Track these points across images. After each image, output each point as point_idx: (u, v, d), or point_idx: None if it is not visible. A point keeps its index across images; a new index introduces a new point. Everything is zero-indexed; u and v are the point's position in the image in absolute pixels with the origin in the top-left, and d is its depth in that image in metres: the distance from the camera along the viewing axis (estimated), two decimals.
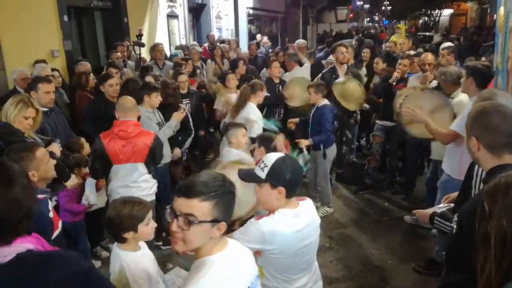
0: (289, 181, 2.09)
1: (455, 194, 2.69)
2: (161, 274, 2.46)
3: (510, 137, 1.80)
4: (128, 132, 3.60)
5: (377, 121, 5.91)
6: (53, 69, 5.89)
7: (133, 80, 5.24)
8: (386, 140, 5.86)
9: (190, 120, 5.42)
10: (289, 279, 2.23)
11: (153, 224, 2.37)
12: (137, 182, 3.73)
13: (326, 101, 5.17)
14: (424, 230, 4.82)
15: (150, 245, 2.63)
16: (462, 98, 3.99)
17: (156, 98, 4.41)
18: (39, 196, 2.56)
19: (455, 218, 1.91)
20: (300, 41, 8.52)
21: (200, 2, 13.83)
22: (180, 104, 4.82)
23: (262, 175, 2.10)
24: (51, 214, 2.66)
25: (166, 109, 4.74)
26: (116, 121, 3.69)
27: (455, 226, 1.90)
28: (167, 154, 4.62)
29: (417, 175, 5.99)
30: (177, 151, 5.06)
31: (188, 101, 5.85)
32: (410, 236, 4.77)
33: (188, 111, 5.69)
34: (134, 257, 2.31)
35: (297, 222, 2.14)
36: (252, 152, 3.64)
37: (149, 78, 5.36)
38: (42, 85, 4.01)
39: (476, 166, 2.24)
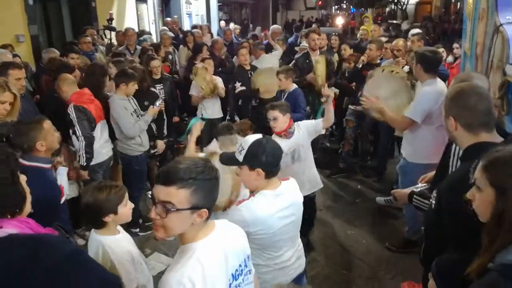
0: (266, 163, 2.15)
1: (431, 174, 2.81)
2: (142, 257, 2.47)
3: (486, 116, 1.89)
4: (93, 97, 4.10)
5: (350, 106, 6.02)
6: (14, 55, 5.65)
7: (98, 65, 5.02)
8: (358, 124, 5.99)
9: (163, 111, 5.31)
10: (272, 256, 2.31)
11: (131, 205, 2.37)
12: (108, 138, 4.29)
13: (295, 85, 5.22)
14: (395, 210, 4.99)
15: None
16: None
17: (133, 87, 4.30)
18: (46, 165, 2.78)
19: (434, 194, 1.99)
20: (275, 26, 8.52)
21: None
22: (158, 102, 4.65)
23: (240, 158, 2.18)
24: (58, 182, 2.83)
25: (141, 96, 4.65)
26: (76, 92, 4.01)
27: (434, 202, 1.99)
28: (146, 143, 4.56)
29: (388, 158, 6.17)
30: (161, 143, 4.99)
31: (162, 87, 5.78)
32: (382, 216, 4.93)
33: (162, 97, 5.64)
34: (115, 240, 2.30)
35: (278, 202, 2.22)
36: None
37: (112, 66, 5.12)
38: (13, 71, 3.81)
39: (453, 145, 2.34)
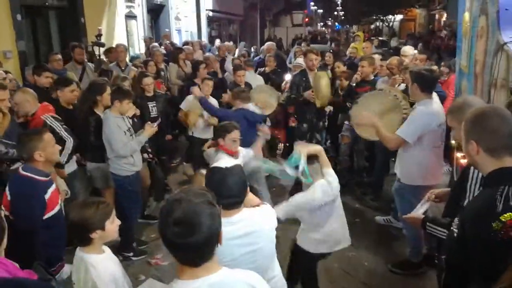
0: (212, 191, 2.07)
1: (440, 190, 2.78)
2: (127, 280, 2.40)
3: (510, 138, 1.80)
4: None
5: (345, 122, 5.97)
6: (5, 72, 5.49)
7: (96, 83, 4.92)
8: (354, 140, 5.93)
9: None
10: None
11: (118, 222, 2.37)
12: None
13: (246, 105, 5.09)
14: (396, 230, 4.92)
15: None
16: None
17: (127, 105, 4.19)
18: (41, 178, 2.84)
19: (456, 221, 1.90)
20: (270, 43, 8.56)
21: (159, 2, 13.54)
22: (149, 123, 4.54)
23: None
24: (47, 196, 2.84)
25: None
26: (42, 106, 4.11)
27: (456, 230, 1.89)
28: (138, 163, 4.38)
29: (384, 175, 6.09)
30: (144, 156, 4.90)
31: (155, 104, 5.66)
32: (383, 237, 4.83)
33: (154, 114, 5.54)
34: (99, 259, 2.27)
35: (233, 230, 2.10)
36: None
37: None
38: None
39: (472, 169, 2.25)
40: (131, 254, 4.32)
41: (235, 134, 3.80)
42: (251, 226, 2.17)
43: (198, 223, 1.43)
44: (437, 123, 3.59)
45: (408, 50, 7.12)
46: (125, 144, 4.12)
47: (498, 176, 1.79)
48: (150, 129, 4.32)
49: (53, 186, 2.96)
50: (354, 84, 5.78)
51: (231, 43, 12.08)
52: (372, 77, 5.87)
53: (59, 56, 6.49)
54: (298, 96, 5.71)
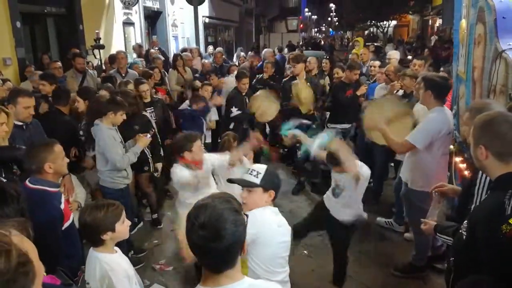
0: (277, 186, 2.50)
1: (445, 187, 2.83)
2: (138, 278, 2.52)
3: None
4: None
5: (337, 126, 6.09)
6: (5, 80, 5.52)
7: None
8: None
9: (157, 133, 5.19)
10: (271, 271, 2.39)
11: (128, 222, 2.46)
12: None
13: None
14: (396, 234, 4.97)
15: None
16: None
17: (121, 116, 4.07)
18: (52, 189, 2.80)
19: (465, 225, 1.95)
20: (267, 50, 8.65)
21: (156, 9, 13.60)
22: (145, 134, 4.42)
23: (256, 180, 2.41)
24: (62, 206, 2.83)
25: (132, 120, 4.57)
26: None
27: (464, 233, 1.95)
28: (130, 175, 4.34)
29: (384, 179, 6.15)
30: (160, 166, 5.03)
31: (153, 110, 5.68)
32: (384, 240, 4.89)
33: (153, 120, 5.54)
34: (112, 257, 2.37)
35: (279, 219, 2.45)
36: None
37: (103, 92, 4.83)
38: (22, 99, 3.60)
39: (480, 174, 2.31)
40: None
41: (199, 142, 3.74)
42: (284, 220, 2.49)
43: (222, 228, 1.47)
44: (447, 131, 3.65)
45: (394, 54, 7.41)
46: (123, 157, 4.04)
47: (506, 180, 1.85)
48: (144, 139, 4.24)
49: (63, 197, 2.94)
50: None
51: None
52: (367, 83, 5.99)
53: (59, 64, 6.53)
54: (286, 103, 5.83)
